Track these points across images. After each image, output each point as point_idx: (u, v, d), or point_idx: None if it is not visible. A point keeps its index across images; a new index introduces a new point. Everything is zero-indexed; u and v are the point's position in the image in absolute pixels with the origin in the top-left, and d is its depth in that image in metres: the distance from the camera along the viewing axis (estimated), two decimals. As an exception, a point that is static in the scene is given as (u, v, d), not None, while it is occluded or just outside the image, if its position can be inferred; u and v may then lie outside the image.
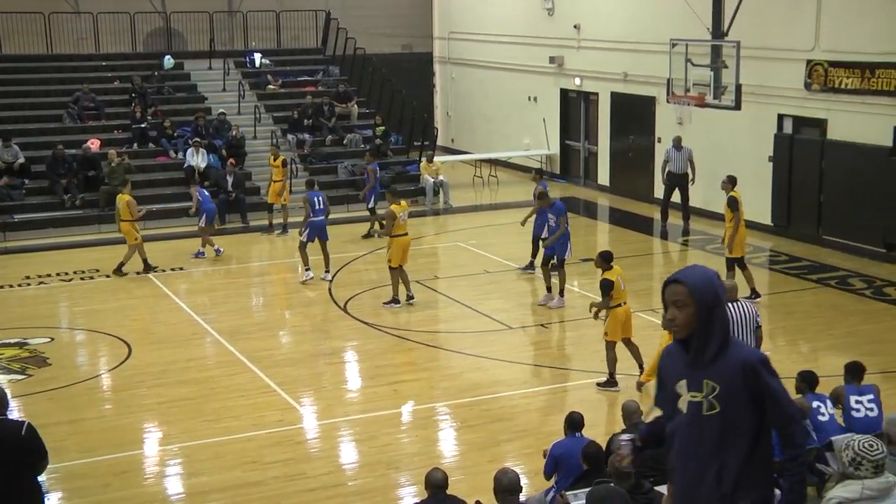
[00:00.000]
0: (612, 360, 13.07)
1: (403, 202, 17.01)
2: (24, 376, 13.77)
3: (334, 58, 30.43)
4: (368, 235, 21.71)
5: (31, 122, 25.48)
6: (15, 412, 8.77)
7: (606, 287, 12.91)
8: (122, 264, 18.83)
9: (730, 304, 10.95)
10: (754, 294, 16.51)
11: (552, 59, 27.82)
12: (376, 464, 11.10)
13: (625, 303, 13.09)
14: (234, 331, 15.70)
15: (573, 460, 8.57)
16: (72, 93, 26.19)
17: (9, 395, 8.40)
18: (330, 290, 17.84)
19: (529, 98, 29.36)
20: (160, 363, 14.26)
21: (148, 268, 19.00)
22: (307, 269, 18.12)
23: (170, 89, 27.62)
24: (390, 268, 16.68)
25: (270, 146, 24.21)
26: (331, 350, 15.05)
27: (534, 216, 18.02)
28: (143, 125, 25.37)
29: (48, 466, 8.20)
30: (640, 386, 12.82)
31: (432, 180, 25.49)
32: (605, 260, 13.22)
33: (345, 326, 15.98)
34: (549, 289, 16.81)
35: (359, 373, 14.36)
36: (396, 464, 11.16)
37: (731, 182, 16.72)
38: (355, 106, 28.12)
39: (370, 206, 21.79)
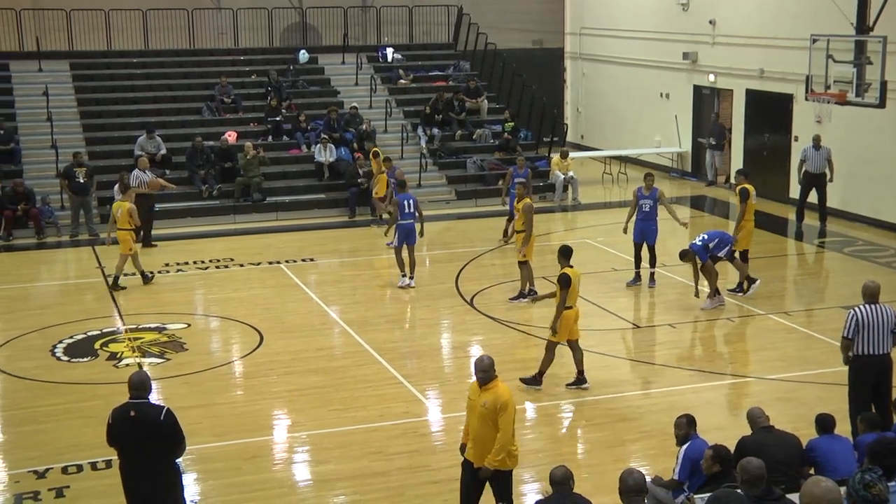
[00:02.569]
0: (548, 361, 12.86)
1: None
2: (162, 360, 14.27)
3: (465, 53, 30.55)
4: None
5: (172, 115, 26.33)
6: (154, 394, 9.11)
7: (566, 282, 12.45)
8: (116, 278, 17.70)
9: (866, 307, 10.62)
10: (739, 288, 16.91)
11: (685, 55, 27.37)
12: (500, 459, 11.10)
13: (573, 305, 12.71)
14: (362, 322, 15.94)
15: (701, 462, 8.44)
16: (211, 86, 26.98)
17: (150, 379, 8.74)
18: (457, 283, 17.94)
19: (661, 95, 28.95)
20: (290, 352, 14.58)
21: (145, 278, 18.00)
22: (403, 275, 17.78)
23: (304, 83, 28.17)
24: (522, 262, 16.67)
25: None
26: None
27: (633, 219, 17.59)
28: (277, 118, 25.96)
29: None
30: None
31: (562, 176, 25.37)
32: (565, 256, 12.88)
33: (471, 321, 16.05)
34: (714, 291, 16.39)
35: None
36: (520, 460, 11.12)
37: (744, 175, 17.59)
38: (485, 101, 28.20)
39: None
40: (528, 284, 16.76)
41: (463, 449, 9.11)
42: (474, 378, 8.86)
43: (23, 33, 27.58)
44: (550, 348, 12.84)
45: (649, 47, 29.16)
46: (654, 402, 12.71)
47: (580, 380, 13.01)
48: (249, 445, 11.52)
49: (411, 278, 17.79)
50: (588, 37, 32.67)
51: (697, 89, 27.72)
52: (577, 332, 12.91)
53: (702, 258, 16.08)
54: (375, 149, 23.54)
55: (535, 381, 12.90)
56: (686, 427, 9.00)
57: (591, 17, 32.53)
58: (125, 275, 17.86)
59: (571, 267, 12.76)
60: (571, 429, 12.20)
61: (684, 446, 8.89)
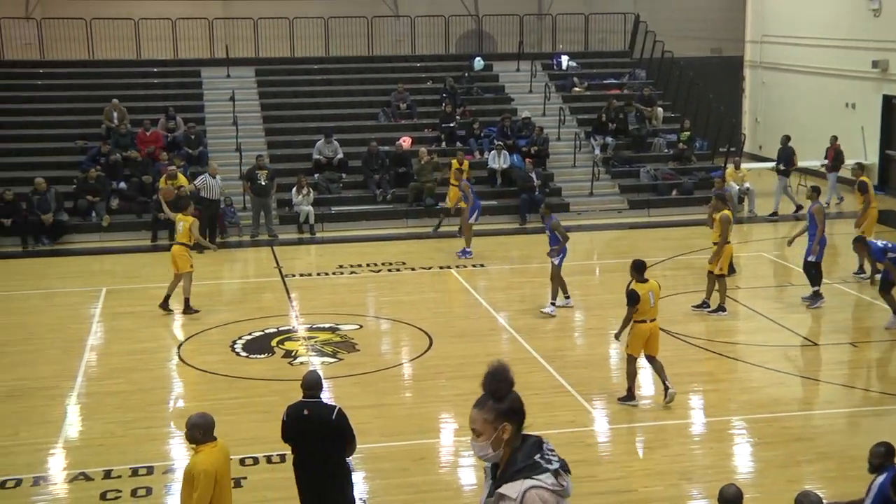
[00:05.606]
0: (630, 375, 12.65)
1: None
2: (335, 360, 14.63)
3: (641, 61, 30.18)
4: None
5: (349, 120, 26.97)
6: (326, 393, 9.33)
7: (632, 298, 12.30)
8: (174, 298, 17.02)
9: None
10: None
11: (875, 64, 26.28)
12: (668, 473, 10.93)
13: (653, 320, 12.42)
14: (530, 329, 15.94)
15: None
16: (388, 92, 27.51)
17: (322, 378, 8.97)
18: (627, 294, 17.70)
19: (847, 105, 27.88)
20: (459, 356, 14.70)
21: (188, 309, 16.89)
22: (567, 297, 17.08)
23: (478, 90, 28.40)
24: (716, 274, 16.34)
25: (458, 153, 23.98)
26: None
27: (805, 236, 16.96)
28: (452, 124, 26.24)
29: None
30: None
31: (737, 187, 24.73)
32: (638, 270, 12.63)
33: (641, 332, 15.80)
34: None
35: (653, 380, 14.16)
36: (689, 474, 10.94)
37: (861, 168, 19.46)
38: (660, 110, 27.78)
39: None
40: (721, 299, 16.34)
41: None
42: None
43: (214, 41, 28.83)
44: (629, 361, 12.73)
45: (835, 55, 28.13)
46: (832, 423, 12.26)
47: (666, 389, 12.74)
48: (417, 447, 11.68)
49: (567, 297, 17.19)
50: (769, 45, 31.77)
51: (887, 99, 26.57)
52: (657, 348, 12.66)
53: (877, 257, 15.65)
54: (456, 162, 23.12)
55: (628, 397, 12.76)
56: (883, 457, 8.42)
57: (773, 24, 31.62)
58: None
59: (647, 281, 12.58)
60: (743, 446, 11.88)
61: (880, 477, 8.32)
